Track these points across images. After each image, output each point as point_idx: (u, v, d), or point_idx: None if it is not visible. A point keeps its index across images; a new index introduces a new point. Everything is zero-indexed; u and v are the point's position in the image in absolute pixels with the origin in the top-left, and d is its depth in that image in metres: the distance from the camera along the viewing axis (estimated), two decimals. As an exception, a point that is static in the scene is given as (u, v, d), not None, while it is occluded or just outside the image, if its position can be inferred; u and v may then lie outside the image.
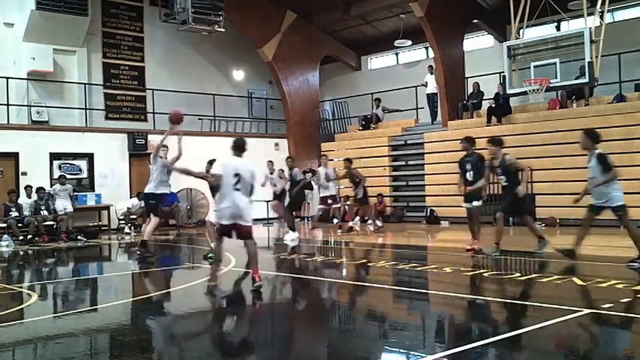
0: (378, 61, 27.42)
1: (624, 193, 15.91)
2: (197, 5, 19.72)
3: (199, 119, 23.37)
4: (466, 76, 22.33)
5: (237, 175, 8.44)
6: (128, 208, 20.21)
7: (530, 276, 9.35)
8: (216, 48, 24.26)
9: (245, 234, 8.66)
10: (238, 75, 26.04)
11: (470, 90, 21.92)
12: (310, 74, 25.75)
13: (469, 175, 11.87)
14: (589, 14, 15.78)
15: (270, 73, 25.11)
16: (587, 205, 10.23)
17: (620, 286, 8.05)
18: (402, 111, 23.81)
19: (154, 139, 21.81)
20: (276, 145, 24.76)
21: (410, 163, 21.86)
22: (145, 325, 7.46)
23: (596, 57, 15.28)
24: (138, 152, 21.39)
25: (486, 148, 11.67)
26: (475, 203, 11.88)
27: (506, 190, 11.44)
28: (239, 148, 8.78)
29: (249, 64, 25.71)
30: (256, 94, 26.33)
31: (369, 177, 19.38)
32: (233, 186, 8.41)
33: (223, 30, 20.66)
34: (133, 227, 19.91)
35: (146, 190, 13.60)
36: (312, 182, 18.53)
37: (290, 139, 24.98)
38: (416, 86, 22.99)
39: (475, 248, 11.62)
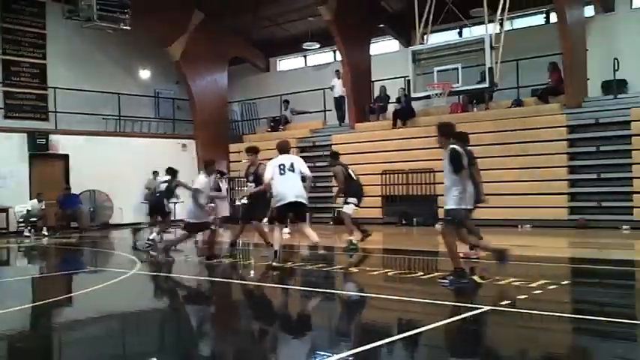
0: (286, 63, 27.53)
1: (539, 194, 16.79)
2: (102, 2, 19.21)
3: (103, 119, 22.84)
4: (373, 79, 22.72)
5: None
6: (28, 210, 19.51)
7: (432, 274, 9.62)
8: (122, 46, 23.67)
9: None
10: (144, 74, 25.55)
11: (376, 93, 22.33)
12: (218, 74, 25.56)
13: None
14: (489, 21, 16.34)
15: (178, 72, 24.77)
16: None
17: (517, 283, 8.38)
18: (310, 113, 23.99)
19: (55, 139, 21.23)
20: (184, 146, 24.49)
21: (318, 164, 22.02)
22: (43, 332, 7.20)
23: (496, 63, 15.82)
24: (39, 153, 20.68)
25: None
26: None
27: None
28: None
29: (156, 63, 25.25)
30: (163, 93, 25.90)
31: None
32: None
33: (129, 28, 20.21)
34: (32, 230, 19.24)
35: None
36: (220, 184, 18.42)
37: (198, 140, 24.73)
38: (324, 89, 23.21)
39: None
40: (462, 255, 10.26)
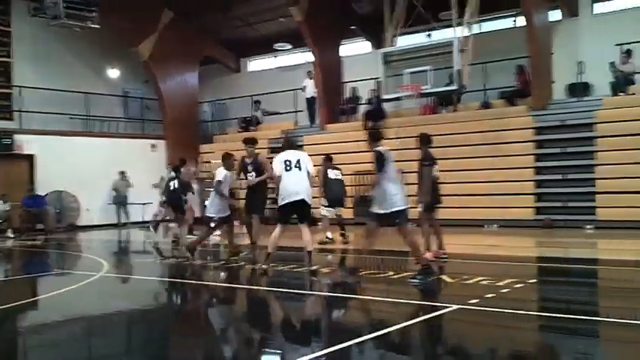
0: (257, 64, 27.52)
1: (506, 195, 17.02)
2: (69, 0, 19.00)
3: (70, 118, 22.60)
4: (344, 80, 22.83)
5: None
6: (-6, 211, 19.28)
7: (402, 274, 9.73)
8: (90, 45, 23.39)
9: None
10: (113, 73, 25.34)
11: (347, 94, 22.44)
12: (189, 74, 25.45)
13: None
14: (458, 24, 16.56)
15: (147, 72, 24.62)
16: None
17: (485, 282, 8.53)
18: (281, 114, 23.99)
19: (20, 139, 20.95)
20: (153, 146, 24.35)
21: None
22: (6, 335, 7.11)
23: (465, 65, 16.04)
24: (3, 153, 20.40)
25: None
26: None
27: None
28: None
29: (125, 62, 25.03)
30: (132, 93, 25.70)
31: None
32: None
33: (97, 26, 20.01)
34: (-1, 231, 19.02)
35: None
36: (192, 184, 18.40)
37: (167, 140, 24.60)
38: (295, 89, 23.25)
39: None
40: (431, 255, 10.43)
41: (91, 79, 24.28)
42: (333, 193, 13.65)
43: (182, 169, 15.37)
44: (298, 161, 9.77)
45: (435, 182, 10.73)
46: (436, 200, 10.79)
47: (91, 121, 23.57)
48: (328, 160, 14.06)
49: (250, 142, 12.37)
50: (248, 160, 12.19)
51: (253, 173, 12.06)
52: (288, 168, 9.71)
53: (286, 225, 9.80)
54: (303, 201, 9.66)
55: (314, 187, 10.42)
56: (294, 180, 9.68)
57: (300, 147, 10.50)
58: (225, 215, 11.80)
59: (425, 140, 10.96)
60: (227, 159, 11.91)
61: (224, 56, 26.98)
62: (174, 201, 15.01)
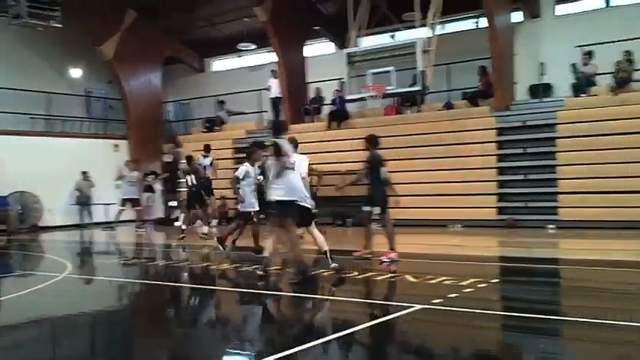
0: (221, 64, 27.42)
1: (470, 195, 17.18)
2: (32, -1, 18.74)
3: (31, 118, 22.26)
4: (308, 81, 22.85)
5: None
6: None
7: (366, 274, 9.78)
8: (52, 45, 23.02)
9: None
10: (75, 73, 25.01)
11: (312, 95, 22.46)
12: (152, 74, 25.26)
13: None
14: (422, 25, 16.67)
15: (110, 72, 24.35)
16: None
17: (448, 282, 8.62)
18: (246, 114, 23.93)
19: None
20: (116, 146, 24.10)
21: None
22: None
23: (428, 66, 16.14)
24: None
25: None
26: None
27: None
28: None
29: (88, 62, 24.73)
30: (94, 93, 25.40)
31: (215, 179, 19.30)
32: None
33: (60, 26, 19.74)
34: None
35: None
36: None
37: (131, 141, 24.37)
38: (260, 90, 23.20)
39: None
40: (396, 255, 10.51)
41: (54, 78, 23.95)
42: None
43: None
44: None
45: (384, 184, 10.85)
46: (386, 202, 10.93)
47: (53, 121, 23.25)
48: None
49: (260, 146, 12.35)
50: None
51: (261, 177, 12.17)
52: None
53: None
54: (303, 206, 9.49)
55: None
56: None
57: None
58: (251, 210, 12.03)
59: (373, 142, 11.10)
60: (254, 153, 11.95)
61: (188, 56, 26.83)
62: (196, 196, 15.36)
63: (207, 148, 18.84)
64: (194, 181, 15.06)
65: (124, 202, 20.34)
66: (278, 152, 9.10)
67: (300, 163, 9.97)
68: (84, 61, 24.71)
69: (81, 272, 11.89)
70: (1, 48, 22.11)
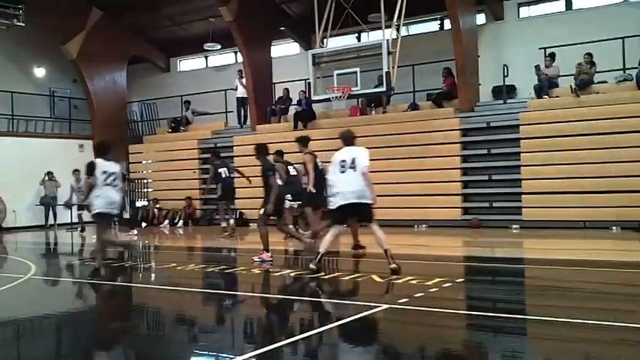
0: (187, 64, 27.29)
1: (434, 195, 17.31)
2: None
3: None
4: (274, 81, 22.86)
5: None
6: None
7: (333, 274, 9.85)
8: (15, 43, 22.74)
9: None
10: (39, 72, 24.72)
11: (278, 95, 22.48)
12: (117, 74, 25.07)
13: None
14: (387, 27, 16.78)
15: (75, 71, 24.09)
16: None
17: (414, 282, 8.72)
18: (211, 114, 23.86)
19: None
20: (81, 146, 23.86)
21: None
22: None
23: (393, 67, 16.25)
24: None
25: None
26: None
27: None
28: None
29: (52, 61, 24.49)
30: (59, 92, 25.13)
31: (178, 180, 19.28)
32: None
33: (23, 24, 19.48)
34: None
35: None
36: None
37: (96, 141, 24.09)
38: (225, 90, 23.15)
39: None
40: (267, 256, 11.02)
41: (17, 77, 23.68)
42: (293, 187, 13.56)
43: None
44: (353, 160, 9.52)
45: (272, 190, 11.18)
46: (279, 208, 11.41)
47: (16, 120, 22.94)
48: (280, 156, 14.22)
49: (304, 141, 13.28)
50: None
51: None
52: (343, 170, 9.56)
53: (342, 226, 10.11)
54: (359, 203, 9.50)
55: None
56: (349, 181, 9.49)
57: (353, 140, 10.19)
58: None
59: (262, 150, 11.47)
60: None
61: (154, 56, 26.67)
62: (230, 190, 16.39)
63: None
64: (228, 174, 16.02)
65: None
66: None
67: (361, 157, 9.60)
68: (48, 60, 24.47)
69: (46, 274, 11.76)
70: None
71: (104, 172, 10.12)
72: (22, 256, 14.47)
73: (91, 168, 10.25)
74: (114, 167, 10.36)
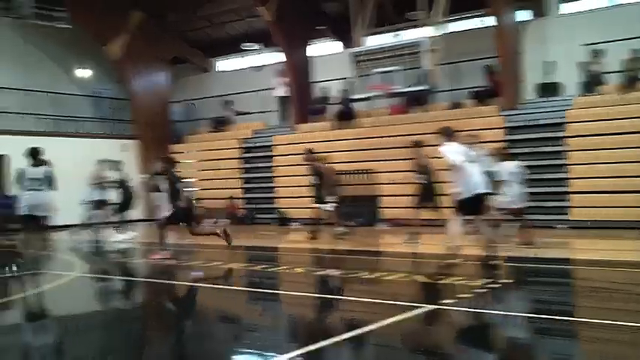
0: (227, 64, 27.42)
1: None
2: (39, 0, 18.79)
3: (38, 119, 22.27)
4: (314, 80, 22.82)
5: None
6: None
7: (376, 274, 9.77)
8: (60, 45, 23.11)
9: None
10: (83, 73, 25.08)
11: (318, 94, 22.44)
12: (159, 74, 25.29)
13: None
14: (426, 24, 16.62)
15: (117, 72, 24.39)
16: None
17: (457, 282, 8.61)
18: (252, 113, 23.93)
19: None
20: (124, 146, 24.09)
21: (260, 165, 22.05)
22: None
23: (434, 65, 16.09)
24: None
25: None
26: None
27: None
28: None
29: (95, 62, 24.80)
30: (103, 93, 25.44)
31: (221, 179, 19.31)
32: None
33: (69, 26, 19.77)
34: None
35: None
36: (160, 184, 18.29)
37: (138, 141, 24.41)
38: (265, 89, 23.18)
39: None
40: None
41: (61, 78, 24.04)
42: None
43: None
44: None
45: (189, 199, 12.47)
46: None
47: (60, 121, 23.28)
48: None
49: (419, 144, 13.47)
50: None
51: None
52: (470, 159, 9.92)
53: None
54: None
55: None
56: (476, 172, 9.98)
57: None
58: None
59: (169, 162, 12.76)
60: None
61: (194, 56, 26.90)
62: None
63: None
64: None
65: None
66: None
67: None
68: (92, 61, 24.81)
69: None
70: (9, 48, 22.18)
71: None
72: (69, 254, 14.65)
73: None
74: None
